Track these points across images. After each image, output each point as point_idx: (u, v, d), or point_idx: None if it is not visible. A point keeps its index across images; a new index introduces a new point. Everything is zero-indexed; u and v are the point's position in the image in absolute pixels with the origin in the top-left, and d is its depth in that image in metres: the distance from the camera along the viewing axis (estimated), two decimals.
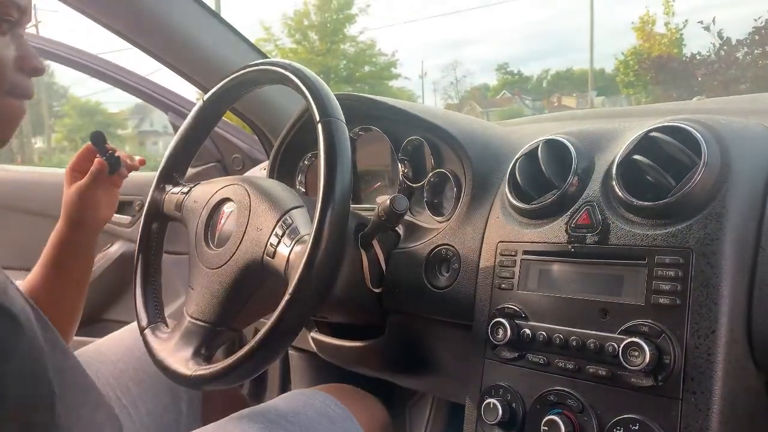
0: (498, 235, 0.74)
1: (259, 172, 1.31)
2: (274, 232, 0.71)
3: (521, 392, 0.67)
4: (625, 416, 0.59)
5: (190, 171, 1.33)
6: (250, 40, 1.37)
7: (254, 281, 0.74)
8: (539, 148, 0.72)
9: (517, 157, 0.75)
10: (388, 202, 0.73)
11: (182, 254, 1.39)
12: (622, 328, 0.60)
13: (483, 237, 0.76)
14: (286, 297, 0.62)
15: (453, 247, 0.79)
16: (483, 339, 0.72)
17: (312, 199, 0.74)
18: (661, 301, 0.58)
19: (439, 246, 0.81)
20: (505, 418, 0.67)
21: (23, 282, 0.85)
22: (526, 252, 0.70)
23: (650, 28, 15.49)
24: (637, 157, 0.63)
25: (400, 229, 0.88)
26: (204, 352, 0.74)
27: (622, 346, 0.58)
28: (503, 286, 0.71)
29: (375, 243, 0.82)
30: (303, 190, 1.07)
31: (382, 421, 0.93)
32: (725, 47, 11.77)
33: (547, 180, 0.71)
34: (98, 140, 0.88)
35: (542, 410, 0.65)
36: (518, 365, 0.68)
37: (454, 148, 0.84)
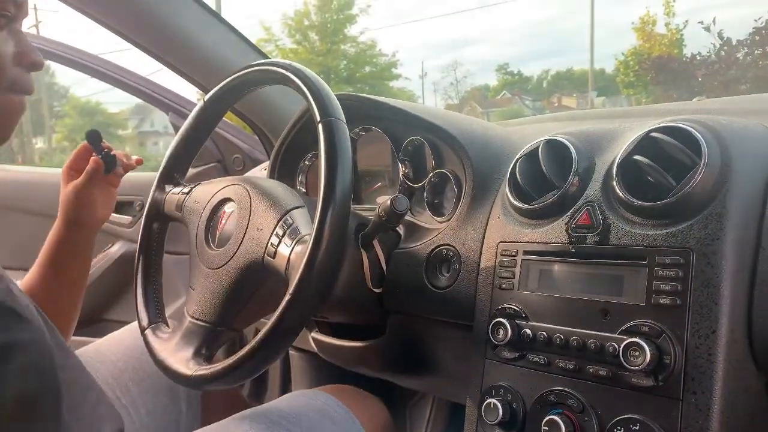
0: (498, 235, 0.74)
1: (260, 172, 1.31)
2: (274, 232, 0.71)
3: (522, 392, 0.67)
4: (626, 416, 0.59)
5: (191, 171, 1.33)
6: (251, 40, 1.37)
7: (255, 281, 0.74)
8: (540, 149, 0.72)
9: (517, 157, 0.75)
10: (389, 202, 0.73)
11: (183, 254, 1.40)
12: (623, 328, 0.60)
13: (483, 237, 0.76)
14: (287, 297, 0.62)
15: (453, 247, 0.79)
16: (483, 339, 0.72)
17: (312, 199, 0.74)
18: (662, 301, 0.58)
19: (439, 246, 0.81)
20: (506, 418, 0.67)
21: (21, 282, 0.85)
22: (526, 252, 0.70)
23: (650, 28, 15.50)
24: (637, 157, 0.63)
25: (400, 230, 0.88)
26: (205, 352, 0.74)
27: (622, 346, 0.58)
28: (504, 286, 0.71)
29: (375, 243, 0.82)
30: (303, 190, 1.07)
31: (384, 422, 0.93)
32: (725, 48, 11.77)
33: (547, 180, 0.71)
34: (94, 139, 0.88)
35: (543, 410, 0.65)
36: (519, 365, 0.68)
37: (455, 148, 0.84)
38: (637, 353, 0.57)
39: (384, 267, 0.83)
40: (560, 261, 0.67)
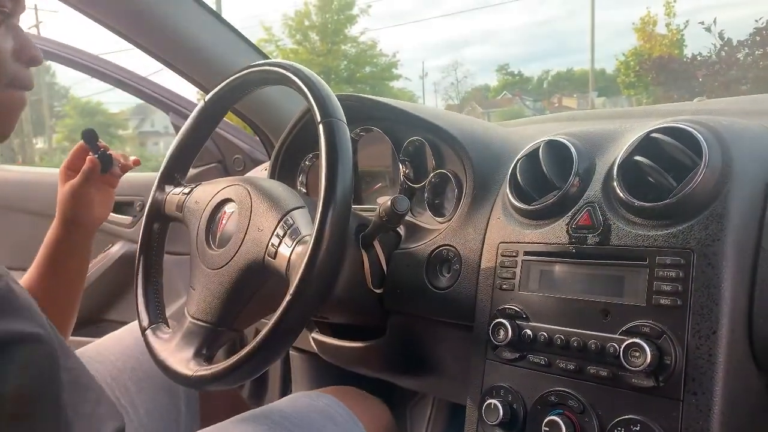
0: (499, 235, 0.74)
1: (260, 172, 1.31)
2: (275, 233, 0.71)
3: (522, 393, 0.67)
4: (626, 417, 0.59)
5: (192, 171, 1.33)
6: (251, 40, 1.38)
7: (255, 282, 0.74)
8: (540, 149, 0.72)
9: (518, 157, 0.75)
10: (389, 202, 0.73)
11: (183, 255, 1.39)
12: (623, 328, 0.60)
13: (484, 237, 0.76)
14: (288, 297, 0.62)
15: (454, 247, 0.79)
16: (484, 340, 0.72)
17: (313, 199, 0.74)
18: (662, 301, 0.58)
19: (440, 246, 0.81)
20: (506, 418, 0.67)
21: (20, 281, 0.85)
22: (527, 253, 0.70)
23: (651, 28, 15.50)
24: (638, 157, 0.63)
25: (401, 230, 0.88)
26: (205, 352, 0.74)
27: (623, 346, 0.58)
28: (504, 286, 0.71)
29: (376, 243, 0.82)
30: (304, 190, 1.07)
31: (386, 424, 0.93)
32: (726, 48, 11.76)
33: (548, 181, 0.71)
34: (90, 138, 0.88)
35: (543, 411, 0.65)
36: (519, 366, 0.68)
37: (455, 148, 0.84)
38: (637, 354, 0.57)
39: (384, 267, 0.83)
40: (561, 261, 0.67)
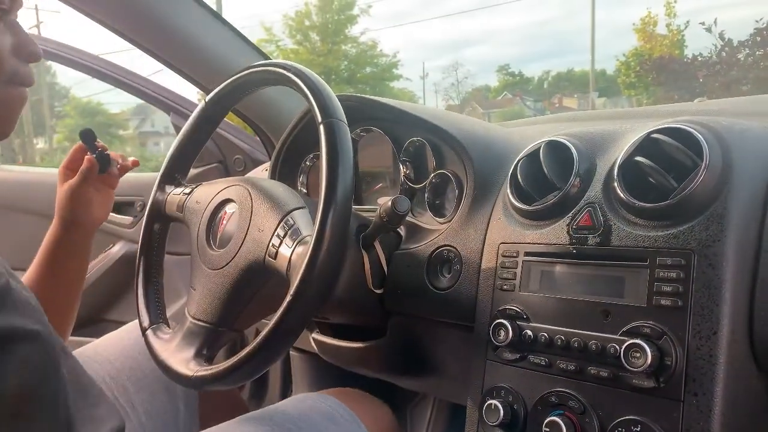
0: (499, 236, 0.74)
1: (261, 173, 1.31)
2: (275, 233, 0.71)
3: (523, 393, 0.67)
4: (627, 417, 0.59)
5: (192, 172, 1.33)
6: (251, 40, 1.38)
7: (256, 282, 0.74)
8: (541, 150, 0.72)
9: (518, 158, 0.75)
10: (390, 203, 0.73)
11: (184, 255, 1.40)
12: (624, 329, 0.60)
13: (484, 238, 0.76)
14: (288, 298, 0.62)
15: (454, 248, 0.79)
16: (484, 340, 0.72)
17: (314, 200, 0.74)
18: (663, 302, 0.58)
19: (440, 247, 0.81)
20: (507, 419, 0.67)
21: None
22: (527, 253, 0.70)
23: (651, 29, 15.51)
24: (638, 158, 0.63)
25: (401, 230, 0.88)
26: (206, 352, 0.74)
27: (623, 347, 0.58)
28: (505, 287, 0.71)
29: (376, 244, 0.82)
30: (305, 191, 1.07)
31: (389, 425, 0.93)
32: (727, 48, 11.77)
33: (548, 181, 0.71)
34: (88, 138, 0.88)
35: (544, 411, 0.64)
36: (520, 366, 0.68)
37: (456, 149, 0.84)
38: (638, 354, 0.57)
39: (385, 268, 0.83)
40: (561, 262, 0.67)
